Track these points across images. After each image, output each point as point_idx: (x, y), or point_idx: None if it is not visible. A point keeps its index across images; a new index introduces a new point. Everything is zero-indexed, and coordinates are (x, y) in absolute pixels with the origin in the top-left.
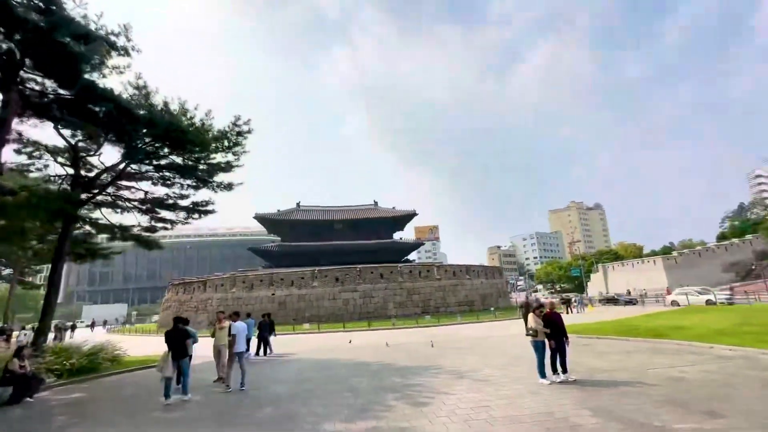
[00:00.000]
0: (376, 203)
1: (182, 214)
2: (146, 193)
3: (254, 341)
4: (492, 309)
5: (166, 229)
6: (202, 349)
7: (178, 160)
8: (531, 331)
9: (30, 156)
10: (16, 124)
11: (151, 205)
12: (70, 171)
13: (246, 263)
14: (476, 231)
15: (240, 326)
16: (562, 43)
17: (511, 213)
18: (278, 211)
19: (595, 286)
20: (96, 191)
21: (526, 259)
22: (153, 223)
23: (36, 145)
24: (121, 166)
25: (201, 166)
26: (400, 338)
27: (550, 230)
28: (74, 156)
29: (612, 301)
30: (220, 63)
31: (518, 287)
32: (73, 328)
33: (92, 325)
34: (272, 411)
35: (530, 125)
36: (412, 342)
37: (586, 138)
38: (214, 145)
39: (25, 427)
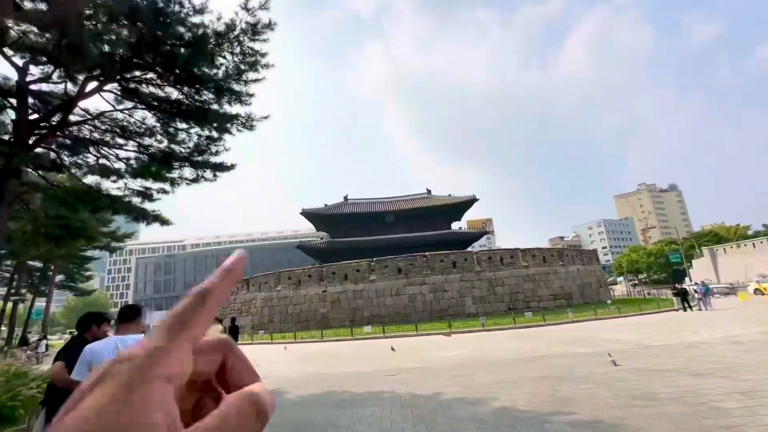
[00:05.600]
0: (429, 191)
1: (188, 171)
2: (139, 145)
3: None
4: (608, 302)
5: (164, 191)
6: None
7: (174, 93)
8: None
9: None
10: None
11: (144, 159)
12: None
13: (299, 265)
14: (532, 223)
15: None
16: (612, 11)
17: (570, 202)
18: (325, 205)
19: (699, 273)
20: (45, 132)
21: (594, 249)
22: (148, 184)
23: None
24: (87, 90)
25: (206, 95)
26: (508, 345)
27: (617, 217)
28: (20, 84)
29: None
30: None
31: None
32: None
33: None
34: None
35: (583, 107)
36: (542, 354)
37: (647, 115)
38: (218, 49)
39: None
